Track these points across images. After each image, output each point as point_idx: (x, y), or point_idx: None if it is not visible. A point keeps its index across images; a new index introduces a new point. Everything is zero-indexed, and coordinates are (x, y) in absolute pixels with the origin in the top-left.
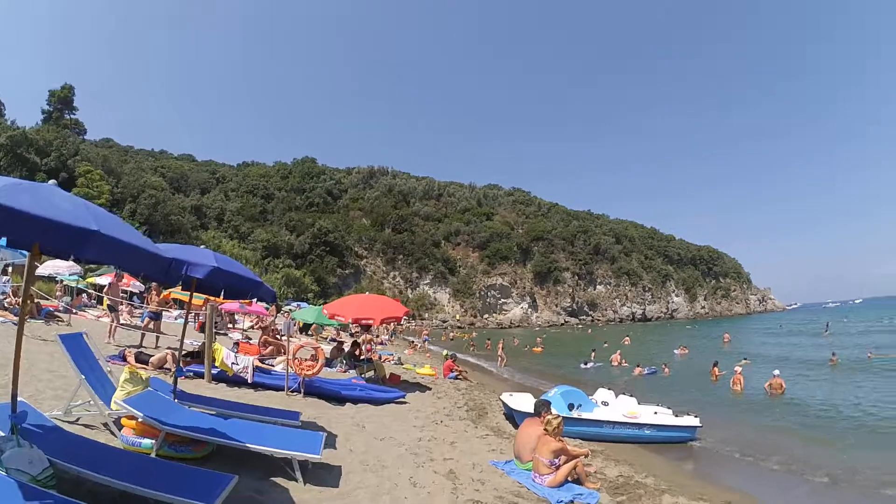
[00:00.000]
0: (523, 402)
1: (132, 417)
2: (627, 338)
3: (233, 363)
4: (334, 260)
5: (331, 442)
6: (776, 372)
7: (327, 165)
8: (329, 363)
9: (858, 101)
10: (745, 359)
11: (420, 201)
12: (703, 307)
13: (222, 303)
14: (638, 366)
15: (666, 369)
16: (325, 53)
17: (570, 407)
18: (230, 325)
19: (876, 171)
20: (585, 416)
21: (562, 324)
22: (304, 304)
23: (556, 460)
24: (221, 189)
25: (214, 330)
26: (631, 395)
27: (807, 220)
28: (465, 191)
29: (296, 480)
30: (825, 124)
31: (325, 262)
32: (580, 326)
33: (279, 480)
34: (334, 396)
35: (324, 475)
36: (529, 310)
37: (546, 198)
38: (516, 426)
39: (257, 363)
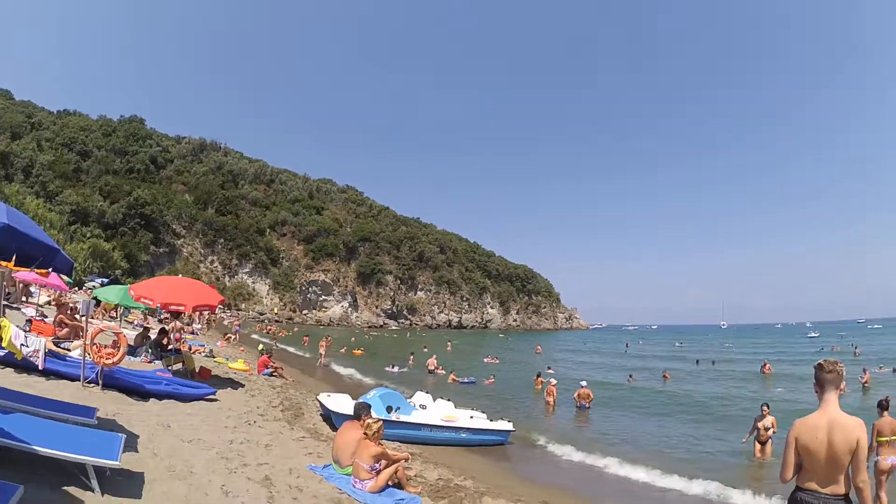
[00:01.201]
0: (342, 403)
1: None
2: (449, 343)
3: (22, 344)
4: (149, 235)
5: (132, 444)
6: (583, 383)
7: (156, 129)
8: (132, 351)
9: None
10: (550, 368)
11: (250, 184)
12: (516, 320)
13: (16, 270)
14: (452, 372)
15: (491, 378)
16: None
17: (389, 409)
18: (24, 299)
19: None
20: (404, 418)
21: (381, 325)
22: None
23: (377, 465)
24: (35, 137)
25: (4, 302)
26: (448, 399)
27: (611, 251)
28: (298, 181)
29: (91, 490)
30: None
31: (139, 237)
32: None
33: (72, 490)
34: (137, 390)
35: (124, 483)
36: (350, 309)
37: (379, 200)
38: (334, 428)
39: (51, 346)
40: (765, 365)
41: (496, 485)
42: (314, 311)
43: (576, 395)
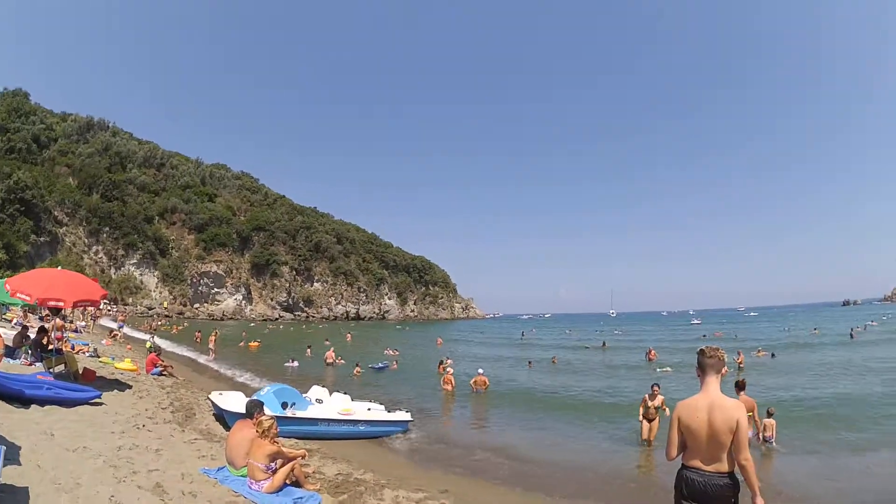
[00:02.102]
0: (235, 401)
1: None
2: (349, 335)
3: None
4: (29, 223)
5: (14, 456)
6: (480, 370)
7: (41, 105)
8: (10, 353)
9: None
10: (449, 358)
11: (139, 168)
12: (413, 311)
13: None
14: (357, 365)
15: (395, 364)
16: None
17: (284, 406)
18: None
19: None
20: (300, 414)
21: (276, 318)
22: None
23: (273, 464)
24: None
25: None
26: (345, 393)
27: (506, 241)
28: (191, 165)
29: None
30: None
31: (18, 225)
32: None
33: None
34: (16, 396)
35: (7, 500)
36: (244, 302)
37: (274, 188)
38: (228, 428)
39: None
40: (650, 352)
41: (396, 476)
42: (206, 304)
43: (472, 382)
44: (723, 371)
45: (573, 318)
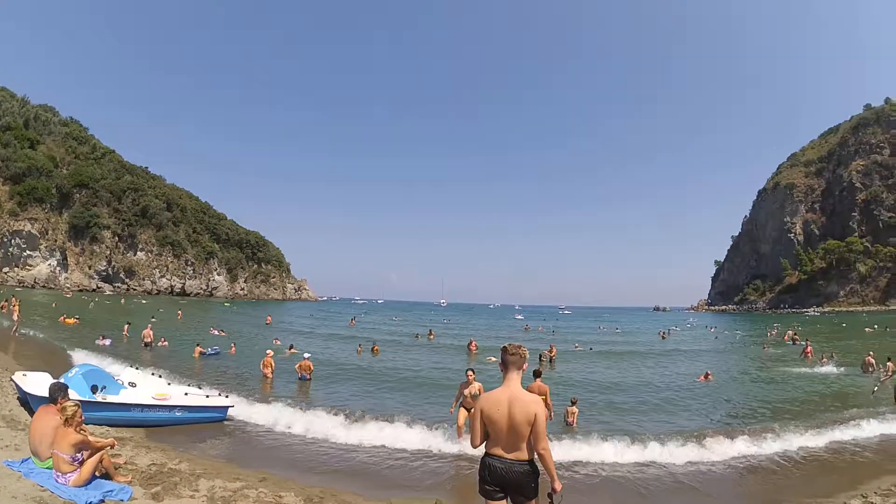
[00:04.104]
0: (41, 383)
1: None
2: (180, 312)
3: None
4: None
5: None
6: (306, 354)
7: None
8: None
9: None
10: (277, 340)
11: None
12: (244, 289)
13: None
14: (198, 345)
15: (232, 348)
16: None
17: (94, 389)
18: None
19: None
20: (111, 399)
21: (94, 289)
22: None
23: (79, 455)
24: None
25: None
26: (160, 375)
27: (344, 226)
28: (14, 104)
29: None
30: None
31: None
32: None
33: None
34: None
35: None
36: (59, 268)
37: (105, 141)
38: (33, 414)
39: None
40: (471, 343)
41: (214, 465)
42: (16, 269)
43: (297, 366)
44: (523, 367)
45: (405, 306)
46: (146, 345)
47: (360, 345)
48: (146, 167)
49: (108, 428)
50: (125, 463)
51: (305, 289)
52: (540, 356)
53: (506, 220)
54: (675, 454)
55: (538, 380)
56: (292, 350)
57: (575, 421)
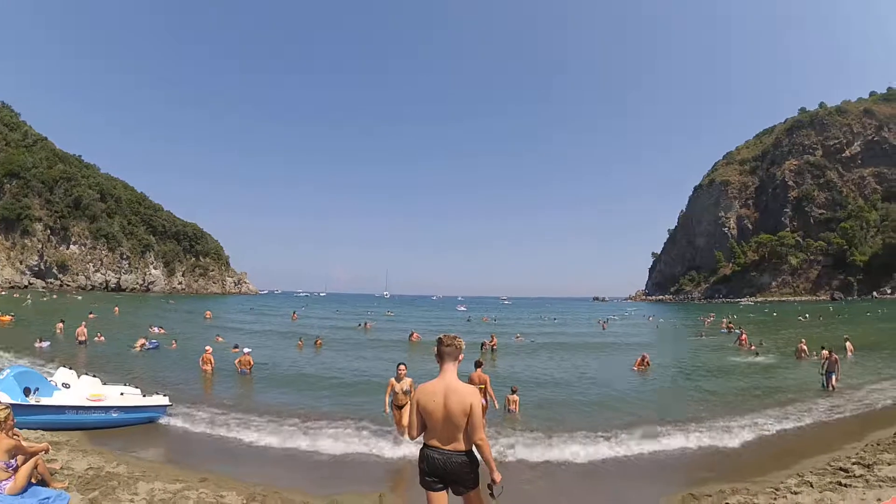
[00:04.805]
0: None
1: None
2: (117, 308)
3: None
4: None
5: None
6: (247, 350)
7: None
8: None
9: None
10: (219, 337)
11: None
12: (181, 283)
13: None
14: (142, 339)
15: (174, 343)
16: None
17: (27, 392)
18: None
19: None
20: (45, 401)
21: (25, 286)
22: None
23: (13, 461)
24: None
25: None
26: (94, 375)
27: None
28: None
29: None
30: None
31: None
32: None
33: None
34: None
35: None
36: None
37: (37, 127)
38: None
39: None
40: (412, 335)
41: (153, 467)
42: None
43: (237, 361)
44: (459, 358)
45: (347, 298)
46: (80, 343)
47: (301, 339)
48: (79, 155)
49: (42, 432)
50: (61, 468)
51: (245, 282)
52: (482, 345)
53: (448, 211)
54: (604, 446)
55: (479, 369)
56: (235, 349)
57: (517, 408)
